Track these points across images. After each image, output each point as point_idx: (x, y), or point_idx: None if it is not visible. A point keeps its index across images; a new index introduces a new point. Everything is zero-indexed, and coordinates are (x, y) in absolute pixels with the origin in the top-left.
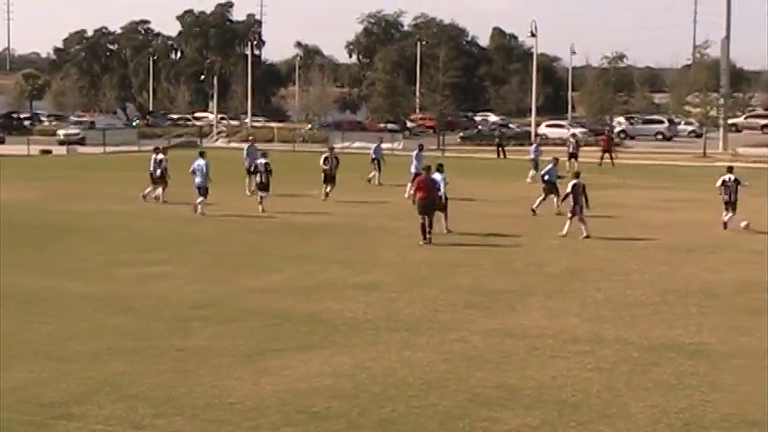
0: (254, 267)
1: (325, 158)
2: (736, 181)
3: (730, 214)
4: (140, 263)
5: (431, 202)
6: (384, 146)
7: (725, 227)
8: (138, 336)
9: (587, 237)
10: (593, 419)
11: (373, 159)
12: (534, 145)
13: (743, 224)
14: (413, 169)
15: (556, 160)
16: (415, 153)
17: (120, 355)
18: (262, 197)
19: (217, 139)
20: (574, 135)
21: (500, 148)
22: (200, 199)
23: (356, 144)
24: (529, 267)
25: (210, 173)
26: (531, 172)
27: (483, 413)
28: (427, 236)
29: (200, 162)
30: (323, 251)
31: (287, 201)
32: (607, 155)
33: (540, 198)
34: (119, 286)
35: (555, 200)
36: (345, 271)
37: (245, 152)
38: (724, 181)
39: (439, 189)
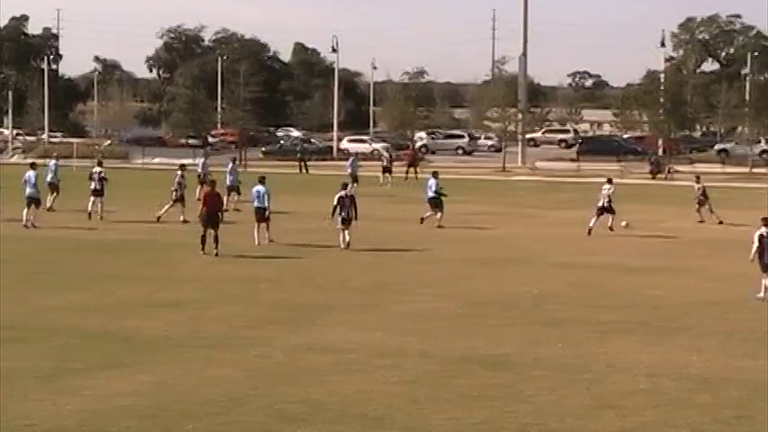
0: (54, 286)
1: (181, 177)
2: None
3: (595, 218)
4: None
5: (214, 215)
6: (187, 161)
7: (589, 233)
8: None
9: (347, 247)
10: None
11: (199, 175)
12: (351, 158)
13: (623, 223)
14: (227, 183)
15: (436, 174)
16: (229, 167)
17: None
18: (95, 204)
19: (12, 155)
20: (387, 149)
21: (302, 164)
22: (26, 210)
23: (156, 160)
24: (333, 282)
25: (39, 184)
26: (352, 186)
27: (285, 429)
28: (206, 248)
29: (31, 173)
30: (125, 268)
31: (85, 217)
32: (412, 169)
33: (430, 213)
34: None
35: (439, 214)
36: (148, 288)
37: (51, 167)
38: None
39: (265, 201)
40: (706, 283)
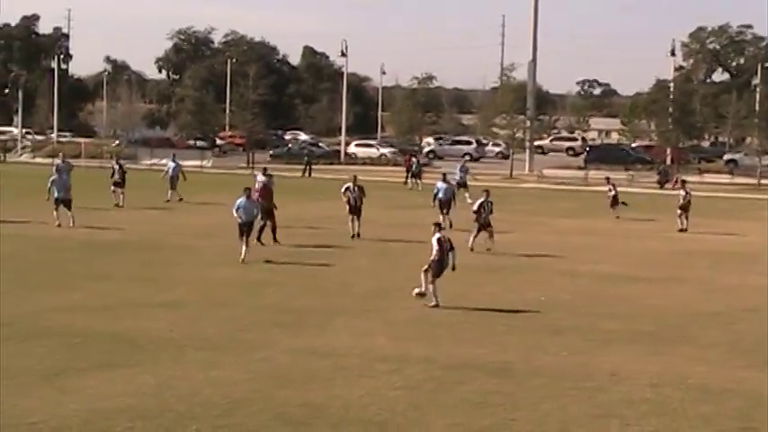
0: (54, 285)
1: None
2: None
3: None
4: None
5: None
6: (192, 163)
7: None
8: None
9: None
10: None
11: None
12: (460, 165)
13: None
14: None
15: (445, 178)
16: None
17: None
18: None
19: (21, 154)
20: (416, 155)
21: (307, 167)
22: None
23: (164, 161)
24: (337, 287)
25: None
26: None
27: None
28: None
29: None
30: (124, 269)
31: (88, 217)
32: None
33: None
34: None
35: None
36: (148, 289)
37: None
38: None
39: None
40: (710, 294)
